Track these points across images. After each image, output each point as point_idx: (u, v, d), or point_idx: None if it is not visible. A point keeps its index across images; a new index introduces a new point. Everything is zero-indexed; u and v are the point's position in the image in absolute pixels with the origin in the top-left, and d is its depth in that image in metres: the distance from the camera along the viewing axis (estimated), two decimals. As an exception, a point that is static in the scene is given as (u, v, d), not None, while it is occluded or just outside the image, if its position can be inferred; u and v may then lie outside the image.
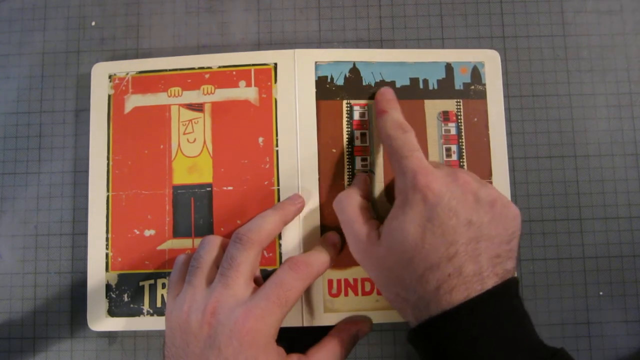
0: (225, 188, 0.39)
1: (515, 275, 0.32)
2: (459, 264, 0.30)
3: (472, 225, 0.30)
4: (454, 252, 0.30)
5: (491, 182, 0.39)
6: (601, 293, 0.40)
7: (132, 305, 0.39)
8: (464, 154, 0.40)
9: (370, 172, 0.39)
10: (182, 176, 0.39)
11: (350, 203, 0.35)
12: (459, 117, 0.40)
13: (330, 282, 0.38)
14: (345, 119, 0.40)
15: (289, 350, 0.34)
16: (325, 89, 0.40)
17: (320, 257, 0.36)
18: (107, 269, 0.39)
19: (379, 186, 0.39)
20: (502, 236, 0.31)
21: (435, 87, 0.40)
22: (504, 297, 0.30)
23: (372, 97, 0.40)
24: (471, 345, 0.29)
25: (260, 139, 0.39)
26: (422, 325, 0.30)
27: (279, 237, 0.39)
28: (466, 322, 0.29)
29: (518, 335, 0.30)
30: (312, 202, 0.39)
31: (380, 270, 0.33)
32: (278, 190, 0.39)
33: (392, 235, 0.32)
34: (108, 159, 0.40)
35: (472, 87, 0.40)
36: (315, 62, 0.40)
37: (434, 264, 0.30)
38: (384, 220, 0.33)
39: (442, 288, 0.30)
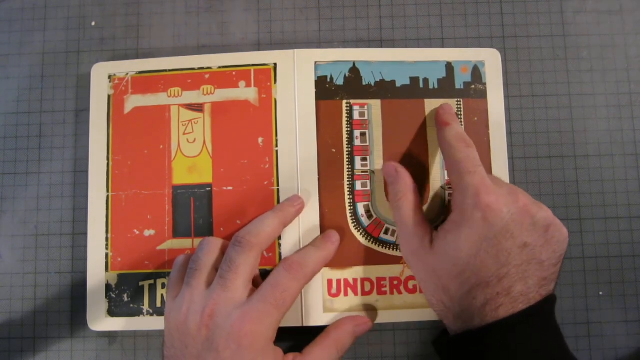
0: (225, 188, 0.39)
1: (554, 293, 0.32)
2: (509, 284, 0.30)
3: (526, 248, 0.31)
4: (505, 273, 0.30)
5: None
6: (601, 293, 0.40)
7: (132, 305, 0.39)
8: None
9: (370, 172, 0.39)
10: (182, 176, 0.39)
11: (407, 206, 0.35)
12: (459, 116, 0.40)
13: (330, 282, 0.38)
14: (345, 119, 0.40)
15: (289, 350, 0.34)
16: (325, 89, 0.40)
17: (316, 254, 0.36)
18: (107, 269, 0.39)
19: (379, 186, 0.39)
20: (552, 259, 0.32)
21: (436, 86, 0.40)
22: (545, 314, 0.31)
23: (372, 96, 0.40)
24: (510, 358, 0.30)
25: (260, 139, 0.39)
26: (464, 335, 0.31)
27: (279, 237, 0.39)
28: (509, 336, 0.30)
29: (556, 352, 0.31)
30: (312, 202, 0.39)
31: (428, 276, 0.34)
32: (278, 190, 0.39)
33: (446, 248, 0.32)
34: (108, 159, 0.40)
35: (473, 86, 0.40)
36: (315, 62, 0.40)
37: (484, 282, 0.31)
38: (439, 229, 0.34)
39: (489, 305, 0.30)
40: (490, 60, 0.40)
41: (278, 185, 0.39)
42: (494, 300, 0.30)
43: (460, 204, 0.33)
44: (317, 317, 0.38)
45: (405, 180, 0.36)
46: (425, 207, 0.39)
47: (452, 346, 0.33)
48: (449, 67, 0.40)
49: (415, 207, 0.35)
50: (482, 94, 0.40)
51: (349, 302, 0.38)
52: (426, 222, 0.35)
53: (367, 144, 0.40)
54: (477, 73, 0.40)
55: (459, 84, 0.40)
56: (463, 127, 0.40)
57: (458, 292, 0.32)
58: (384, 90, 0.40)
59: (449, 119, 0.37)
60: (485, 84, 0.40)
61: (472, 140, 0.35)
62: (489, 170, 0.39)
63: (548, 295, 0.31)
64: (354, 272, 0.39)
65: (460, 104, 0.40)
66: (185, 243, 0.39)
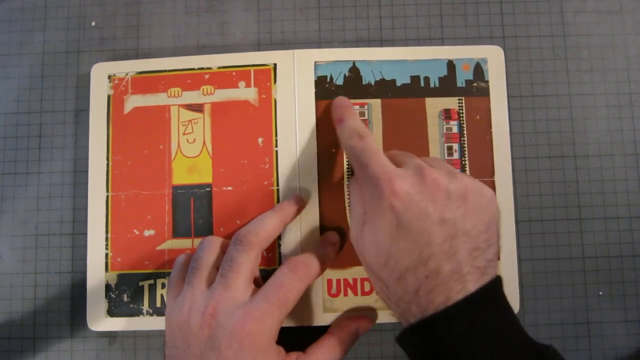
0: (224, 188, 0.39)
1: (496, 271, 0.30)
2: (436, 265, 0.29)
3: (446, 223, 0.30)
4: (428, 254, 0.29)
5: (493, 181, 0.39)
6: (601, 293, 0.40)
7: (131, 305, 0.39)
8: (466, 152, 0.39)
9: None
10: (181, 176, 0.40)
11: (354, 192, 0.35)
12: (461, 115, 0.40)
13: (329, 282, 0.38)
14: (345, 119, 0.40)
15: (289, 350, 0.34)
16: (324, 89, 0.40)
17: (319, 257, 0.36)
18: (106, 269, 0.39)
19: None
20: (479, 227, 0.30)
21: (437, 84, 0.40)
22: (484, 302, 0.29)
23: (372, 96, 0.40)
24: (455, 350, 0.28)
25: (260, 140, 0.39)
26: (405, 330, 0.30)
27: (279, 237, 0.39)
28: (441, 329, 0.28)
29: (507, 332, 0.29)
30: (312, 202, 0.39)
31: (365, 267, 0.33)
32: (277, 190, 0.39)
33: (367, 240, 0.32)
34: (108, 159, 0.40)
35: (475, 84, 0.40)
36: (315, 62, 0.40)
37: (410, 268, 0.30)
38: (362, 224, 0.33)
39: (421, 290, 0.29)
40: (493, 57, 0.40)
41: (278, 185, 0.39)
42: (424, 284, 0.29)
43: (368, 198, 0.32)
44: (317, 317, 0.38)
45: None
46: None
47: (404, 340, 0.31)
48: (450, 65, 0.40)
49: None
50: (485, 92, 0.40)
51: (349, 302, 0.38)
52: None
53: (367, 143, 0.40)
54: (479, 70, 0.40)
55: (460, 82, 0.40)
56: (465, 125, 0.40)
57: (391, 282, 0.30)
58: (384, 89, 0.40)
59: (343, 114, 0.36)
60: (487, 81, 0.40)
61: (367, 129, 0.34)
62: (491, 169, 0.39)
63: (487, 283, 0.29)
64: (354, 272, 0.39)
65: (462, 102, 0.40)
66: (185, 243, 0.39)
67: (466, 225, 0.30)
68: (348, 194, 0.39)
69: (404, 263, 0.30)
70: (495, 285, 0.30)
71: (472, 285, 0.29)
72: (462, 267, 0.29)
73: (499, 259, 0.30)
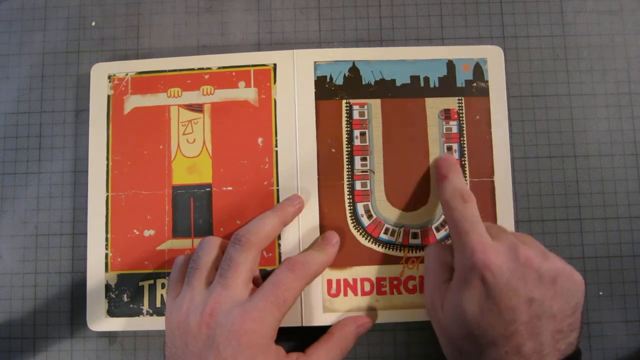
0: (224, 188, 0.39)
1: (578, 347, 0.31)
2: (517, 342, 0.29)
3: (534, 303, 0.30)
4: (512, 331, 0.30)
5: (493, 181, 0.39)
6: (601, 293, 0.40)
7: (131, 306, 0.39)
8: (466, 152, 0.39)
9: (370, 171, 0.39)
10: (181, 176, 0.40)
11: (433, 259, 0.35)
12: (461, 115, 0.40)
13: (329, 282, 0.38)
14: (344, 119, 0.40)
15: (288, 350, 0.34)
16: (324, 89, 0.40)
17: (318, 256, 0.36)
18: (106, 269, 0.39)
19: (379, 186, 0.39)
20: (565, 310, 0.30)
21: (437, 84, 0.40)
22: None
23: (372, 96, 0.40)
24: None
25: (260, 140, 0.39)
26: None
27: (279, 237, 0.39)
28: None
29: None
30: (312, 202, 0.39)
31: (443, 335, 0.34)
32: (277, 190, 0.39)
33: (451, 310, 0.32)
34: (107, 159, 0.40)
35: (475, 84, 0.40)
36: (315, 62, 0.40)
37: (491, 342, 0.30)
38: (447, 290, 0.33)
39: None
40: (493, 57, 0.40)
41: (278, 185, 0.39)
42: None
43: (459, 265, 0.32)
44: (316, 317, 0.38)
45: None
46: (425, 207, 0.39)
47: None
48: (450, 65, 0.40)
49: (441, 266, 0.34)
50: (484, 92, 0.40)
51: (349, 302, 0.38)
52: (446, 282, 0.34)
53: (367, 143, 0.40)
54: (478, 70, 0.40)
55: (460, 82, 0.40)
56: (465, 125, 0.40)
57: (471, 354, 0.31)
58: (384, 89, 0.40)
59: (448, 171, 0.37)
60: (487, 81, 0.40)
61: (471, 193, 0.34)
62: (491, 169, 0.39)
63: (569, 355, 0.30)
64: (354, 272, 0.39)
65: (461, 102, 0.40)
66: (185, 243, 0.39)
67: (553, 307, 0.30)
68: (349, 194, 0.39)
69: (487, 337, 0.30)
70: None
71: None
72: (544, 348, 0.29)
73: (579, 342, 0.31)
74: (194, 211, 0.39)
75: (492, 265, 0.30)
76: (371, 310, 0.38)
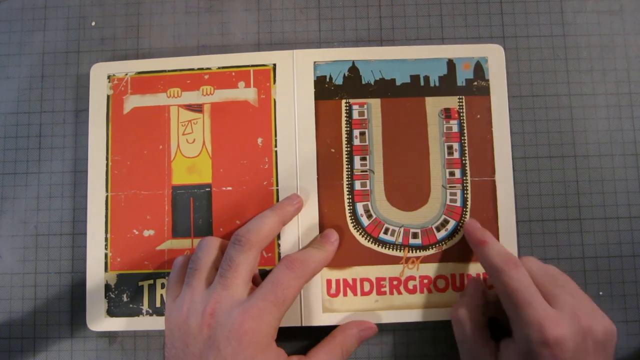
0: (224, 188, 0.39)
1: None
2: None
3: None
4: None
5: (494, 181, 0.39)
6: (601, 293, 0.40)
7: (131, 305, 0.39)
8: (466, 151, 0.39)
9: (369, 171, 0.39)
10: (181, 176, 0.40)
11: (469, 321, 0.35)
12: (461, 114, 0.40)
13: (329, 282, 0.38)
14: (344, 119, 0.40)
15: (288, 350, 0.34)
16: (324, 89, 0.40)
17: (317, 254, 0.36)
18: (106, 269, 0.39)
19: (378, 186, 0.39)
20: None
21: (437, 84, 0.40)
22: None
23: (371, 95, 0.40)
24: None
25: (259, 140, 0.39)
26: None
27: (278, 237, 0.39)
28: None
29: None
30: (311, 202, 0.39)
31: None
32: (277, 190, 0.39)
33: None
34: (107, 159, 0.40)
35: (475, 83, 0.40)
36: (314, 62, 0.40)
37: None
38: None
39: None
40: (494, 56, 0.40)
41: (277, 185, 0.39)
42: None
43: (525, 339, 0.32)
44: (316, 318, 0.38)
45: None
46: (425, 207, 0.39)
47: None
48: (450, 64, 0.40)
49: (478, 327, 0.35)
50: (485, 91, 0.40)
51: (349, 302, 0.38)
52: (490, 341, 0.34)
53: (367, 143, 0.40)
54: (479, 69, 0.40)
55: (460, 81, 0.40)
56: (465, 124, 0.40)
57: None
58: (383, 88, 0.40)
59: (484, 236, 0.37)
60: (488, 80, 0.40)
61: (516, 257, 0.34)
62: (492, 168, 0.39)
63: None
64: (353, 272, 0.39)
65: (462, 101, 0.40)
66: (184, 243, 0.39)
67: None
68: (349, 194, 0.39)
69: None
70: None
71: None
72: None
73: None
74: (193, 211, 0.39)
75: (562, 340, 0.30)
76: (370, 311, 0.38)
